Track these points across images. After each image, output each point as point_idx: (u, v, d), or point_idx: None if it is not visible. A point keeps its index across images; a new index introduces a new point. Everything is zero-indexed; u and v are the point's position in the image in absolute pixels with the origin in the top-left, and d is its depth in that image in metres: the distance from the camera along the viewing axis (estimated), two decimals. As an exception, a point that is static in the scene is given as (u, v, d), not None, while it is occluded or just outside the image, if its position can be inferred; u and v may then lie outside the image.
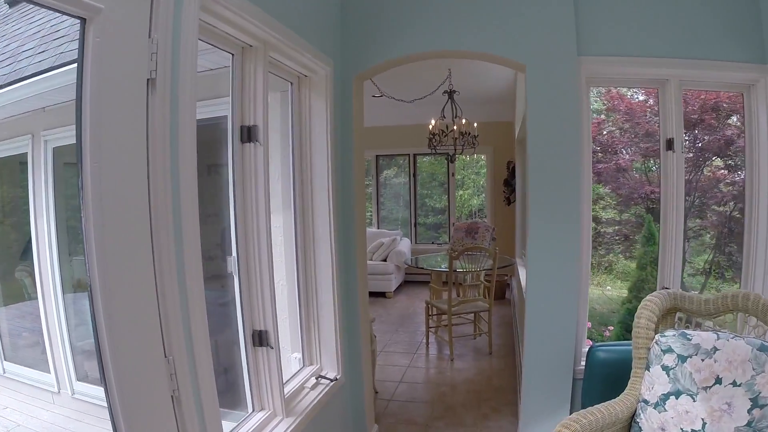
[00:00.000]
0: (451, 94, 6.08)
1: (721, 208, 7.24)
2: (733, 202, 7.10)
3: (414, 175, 9.91)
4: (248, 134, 2.35)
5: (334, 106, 3.05)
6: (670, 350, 2.45)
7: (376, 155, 9.98)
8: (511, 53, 3.07)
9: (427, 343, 5.90)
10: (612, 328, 5.56)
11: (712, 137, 7.02)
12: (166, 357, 1.64)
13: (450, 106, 6.08)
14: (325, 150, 2.98)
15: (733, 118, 6.90)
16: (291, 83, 2.96)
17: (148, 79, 1.59)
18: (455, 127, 5.98)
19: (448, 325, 5.40)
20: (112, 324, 1.43)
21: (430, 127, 6.08)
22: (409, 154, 9.82)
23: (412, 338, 6.25)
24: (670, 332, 2.51)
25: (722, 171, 7.24)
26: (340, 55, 3.19)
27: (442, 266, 6.56)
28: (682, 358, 2.41)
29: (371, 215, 10.22)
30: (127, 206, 1.50)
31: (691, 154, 6.95)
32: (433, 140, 6.05)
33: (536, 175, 3.09)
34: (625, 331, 5.10)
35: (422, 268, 6.30)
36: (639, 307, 2.71)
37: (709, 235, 7.41)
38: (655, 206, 7.61)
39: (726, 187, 7.17)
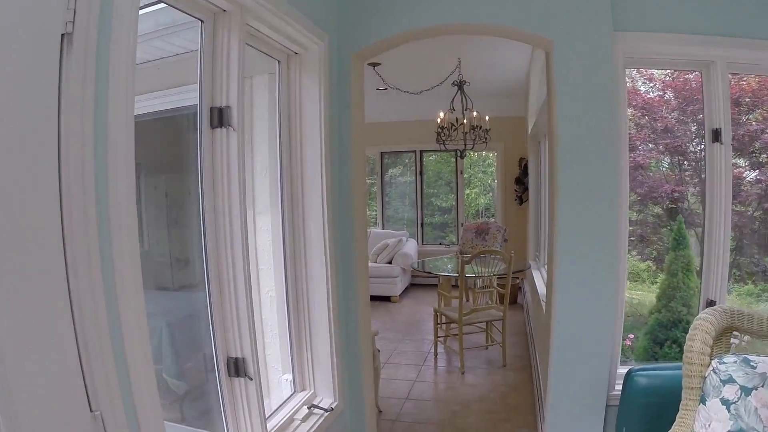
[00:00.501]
0: (460, 84, 5.63)
1: (743, 208, 6.83)
2: (756, 202, 6.70)
3: (420, 173, 9.45)
4: (219, 117, 1.92)
5: (329, 89, 2.62)
6: (731, 380, 2.02)
7: (381, 152, 9.52)
8: (536, 26, 2.62)
9: (436, 354, 5.46)
10: (632, 336, 5.11)
11: (735, 133, 6.60)
12: (92, 411, 1.22)
13: (460, 97, 5.64)
14: (318, 140, 2.55)
15: (754, 113, 6.49)
16: (278, 61, 2.53)
17: (62, 35, 1.16)
18: (465, 121, 5.54)
19: (458, 335, 4.96)
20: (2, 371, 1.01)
21: (439, 120, 5.64)
22: (415, 151, 9.37)
23: (419, 348, 5.81)
24: (729, 358, 2.09)
25: (739, 169, 6.84)
26: (336, 29, 2.74)
27: (449, 268, 6.13)
28: (746, 390, 1.98)
29: (376, 215, 9.79)
30: (20, 210, 1.07)
31: (712, 151, 6.58)
32: (442, 134, 5.61)
33: (566, 171, 2.64)
34: (654, 343, 4.64)
35: (429, 273, 5.85)
36: (691, 327, 2.27)
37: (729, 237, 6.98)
38: (673, 206, 7.20)
39: (745, 186, 6.76)
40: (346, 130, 2.79)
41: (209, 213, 1.92)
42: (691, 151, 6.92)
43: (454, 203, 9.50)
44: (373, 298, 8.24)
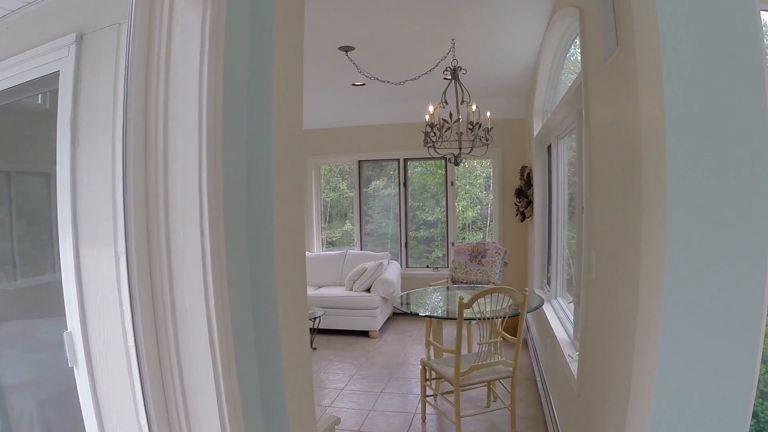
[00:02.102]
0: (455, 72, 4.44)
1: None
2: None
3: (404, 185, 8.20)
4: None
5: (225, 22, 1.38)
6: None
7: (359, 161, 8.28)
8: None
9: (424, 419, 4.21)
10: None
11: None
12: None
13: (454, 88, 4.44)
14: (195, 120, 1.31)
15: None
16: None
17: None
18: (461, 118, 4.33)
19: (454, 392, 3.72)
20: None
21: (427, 117, 4.43)
22: (398, 159, 8.13)
23: (403, 406, 4.56)
24: None
25: None
26: None
27: (438, 304, 4.91)
28: None
29: (355, 233, 8.54)
30: None
31: None
32: (431, 135, 4.40)
33: (685, 159, 1.40)
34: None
35: (416, 314, 4.59)
36: None
37: None
38: None
39: None
40: (262, 101, 1.54)
41: None
42: None
43: (440, 217, 8.25)
44: (350, 333, 7.00)
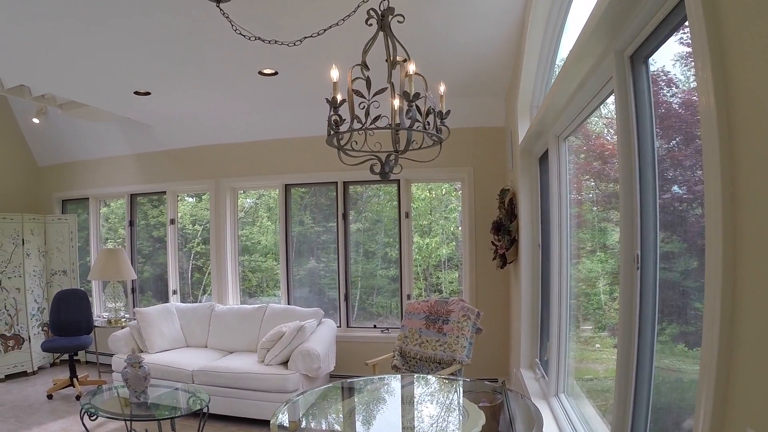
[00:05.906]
0: (383, 17, 2.52)
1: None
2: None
3: (344, 216, 6.20)
4: None
5: None
6: None
7: (285, 185, 6.28)
8: None
9: None
10: None
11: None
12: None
13: (385, 44, 2.51)
14: None
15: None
16: None
17: None
18: (394, 88, 2.40)
19: None
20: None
21: (333, 92, 2.49)
22: (336, 183, 6.15)
23: None
24: None
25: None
26: None
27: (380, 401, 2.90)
28: None
29: (280, 281, 6.45)
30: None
31: None
32: (338, 122, 2.45)
33: None
34: None
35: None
36: None
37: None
38: None
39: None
40: None
41: None
42: None
43: (396, 255, 6.19)
44: (259, 423, 4.93)
